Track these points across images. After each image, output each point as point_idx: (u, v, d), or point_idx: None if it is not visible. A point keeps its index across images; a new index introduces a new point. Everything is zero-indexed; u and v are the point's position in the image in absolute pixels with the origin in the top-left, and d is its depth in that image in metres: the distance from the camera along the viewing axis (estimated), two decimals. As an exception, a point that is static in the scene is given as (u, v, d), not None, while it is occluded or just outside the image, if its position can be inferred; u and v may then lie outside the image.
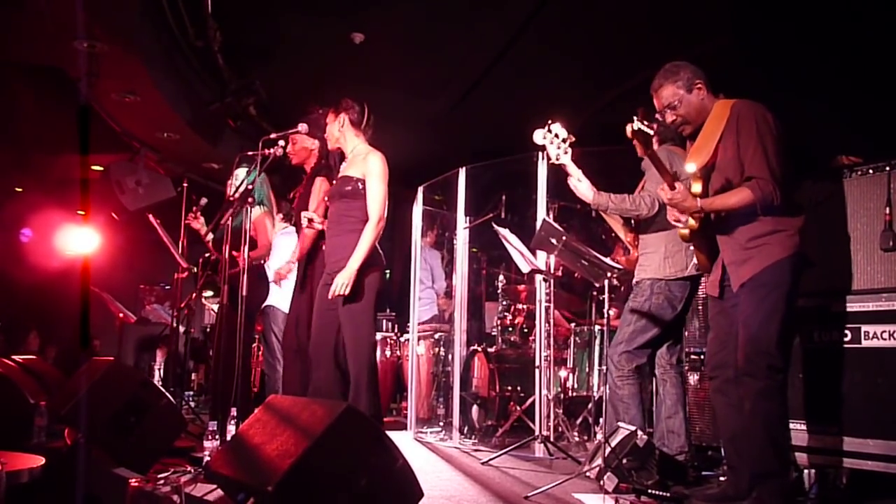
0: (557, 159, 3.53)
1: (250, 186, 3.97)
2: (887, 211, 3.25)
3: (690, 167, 3.04)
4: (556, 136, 3.49)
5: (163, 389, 3.73)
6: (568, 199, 4.86)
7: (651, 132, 3.03)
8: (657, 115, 3.24)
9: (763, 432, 2.86)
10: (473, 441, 5.31)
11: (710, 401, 3.25)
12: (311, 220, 4.13)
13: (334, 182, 4.05)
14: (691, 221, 3.06)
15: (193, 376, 9.36)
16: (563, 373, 5.61)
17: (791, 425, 3.36)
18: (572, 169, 3.64)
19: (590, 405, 5.10)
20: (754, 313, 2.91)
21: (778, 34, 5.64)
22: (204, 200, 5.00)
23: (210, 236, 4.75)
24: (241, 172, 4.78)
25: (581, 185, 3.64)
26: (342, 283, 3.73)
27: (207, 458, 3.21)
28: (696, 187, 3.02)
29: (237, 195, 3.99)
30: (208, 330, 9.06)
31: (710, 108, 3.15)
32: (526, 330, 6.06)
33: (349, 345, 3.79)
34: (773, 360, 2.88)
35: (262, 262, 4.84)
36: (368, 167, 3.90)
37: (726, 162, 3.02)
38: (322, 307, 3.91)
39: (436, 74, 7.20)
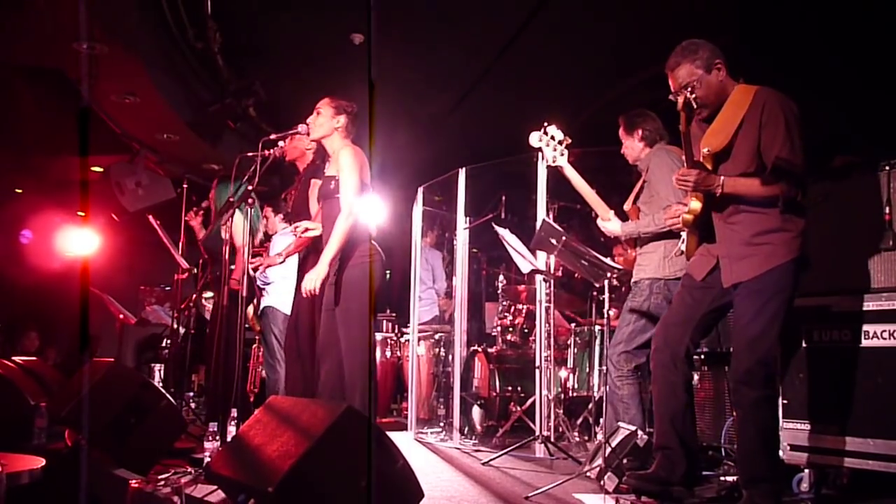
0: (554, 161, 3.55)
1: (250, 187, 3.96)
2: (887, 210, 3.25)
3: (705, 150, 2.92)
4: (553, 138, 3.50)
5: (163, 391, 3.73)
6: (567, 199, 4.87)
7: (695, 106, 2.90)
8: (671, 97, 3.06)
9: (758, 439, 2.85)
10: (474, 441, 5.31)
11: (653, 374, 3.20)
12: (306, 229, 4.12)
13: (321, 182, 4.02)
14: (694, 205, 2.93)
15: (194, 377, 9.35)
16: (563, 373, 5.61)
17: (791, 425, 3.37)
18: (570, 173, 3.65)
19: (590, 405, 5.10)
20: (753, 321, 2.85)
21: (781, 33, 5.64)
22: (205, 203, 5.01)
23: (202, 232, 4.73)
24: (222, 191, 4.84)
25: (609, 224, 3.70)
26: (312, 278, 3.69)
27: (208, 459, 3.21)
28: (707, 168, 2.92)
29: (236, 196, 3.98)
30: (207, 331, 9.05)
31: (728, 90, 3.00)
32: (526, 330, 6.06)
33: (343, 344, 3.76)
34: (772, 369, 2.86)
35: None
36: (340, 162, 3.87)
37: (742, 150, 2.90)
38: (323, 308, 3.90)
39: (435, 75, 7.20)
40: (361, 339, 3.78)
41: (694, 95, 2.89)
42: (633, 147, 4.03)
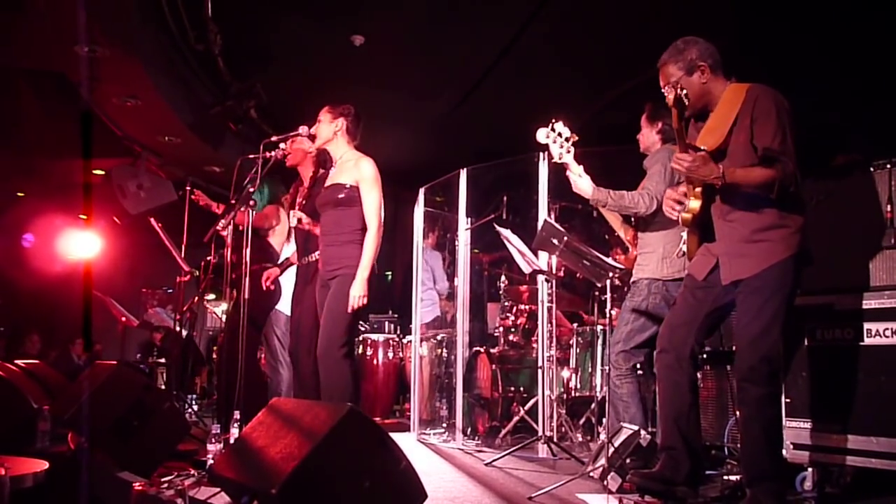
0: (560, 158, 3.53)
1: (251, 189, 3.96)
2: (888, 209, 3.24)
3: (701, 149, 2.92)
4: (560, 134, 3.49)
5: (166, 393, 3.73)
6: (569, 199, 4.86)
7: (686, 102, 2.92)
8: (663, 90, 3.06)
9: (762, 437, 2.85)
10: (476, 442, 5.31)
11: (658, 375, 3.20)
12: (300, 220, 4.13)
13: (324, 189, 4.03)
14: (693, 204, 2.95)
15: (196, 380, 9.37)
16: (565, 373, 5.61)
17: (794, 423, 3.37)
18: (574, 167, 3.65)
19: (593, 405, 5.10)
20: (755, 318, 2.85)
21: (780, 34, 5.64)
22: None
23: (227, 231, 4.63)
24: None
25: (581, 181, 3.64)
26: (358, 295, 3.72)
27: (211, 462, 3.21)
28: None
29: (238, 198, 3.97)
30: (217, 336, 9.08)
31: (715, 91, 3.03)
32: (528, 330, 6.06)
33: (321, 341, 3.76)
34: (775, 366, 2.85)
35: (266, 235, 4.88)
36: (361, 174, 3.88)
37: (738, 147, 2.91)
38: (322, 312, 3.91)
39: (436, 76, 7.20)
40: (341, 340, 3.76)
41: (685, 92, 2.90)
42: (648, 137, 4.04)
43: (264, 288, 4.64)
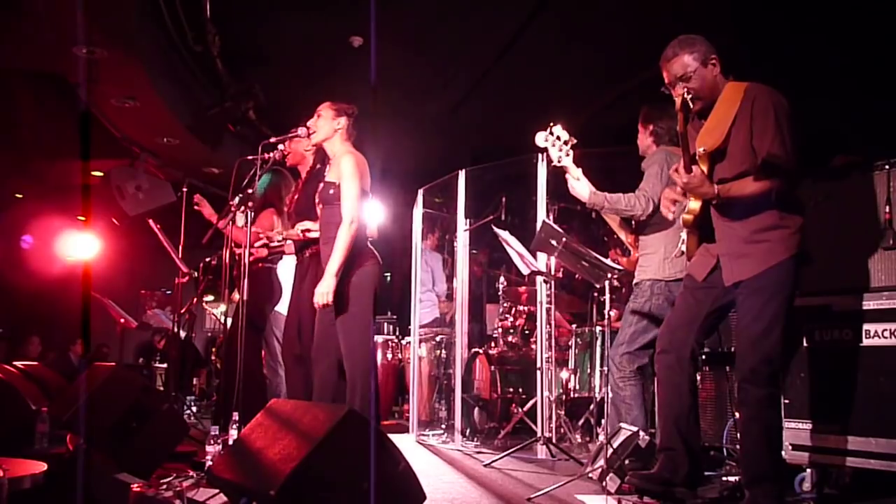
0: (559, 161, 3.53)
1: (250, 191, 3.95)
2: (887, 209, 3.24)
3: (700, 149, 2.92)
4: (558, 138, 3.49)
5: (164, 394, 3.73)
6: (568, 200, 4.87)
7: (692, 105, 2.88)
8: (663, 90, 3.06)
9: (762, 438, 2.85)
10: (475, 443, 5.31)
11: (657, 376, 3.20)
12: (307, 230, 4.12)
13: (320, 187, 4.02)
14: (693, 205, 2.94)
15: (195, 381, 9.37)
16: (564, 374, 5.61)
17: (793, 424, 3.37)
18: (573, 171, 3.65)
19: (591, 406, 5.10)
20: (757, 319, 2.85)
21: (779, 33, 5.64)
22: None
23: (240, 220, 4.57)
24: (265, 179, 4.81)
25: (578, 184, 3.64)
26: (322, 292, 3.69)
27: (210, 463, 3.21)
28: (703, 169, 2.90)
29: (236, 200, 3.96)
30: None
31: (721, 88, 3.02)
32: (527, 332, 6.06)
33: (343, 349, 3.75)
34: (776, 368, 2.86)
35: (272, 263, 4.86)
36: (340, 170, 3.86)
37: (738, 147, 2.91)
38: (321, 311, 3.89)
39: (435, 77, 7.20)
40: (361, 343, 3.77)
41: (690, 95, 2.89)
42: (643, 140, 4.07)
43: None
